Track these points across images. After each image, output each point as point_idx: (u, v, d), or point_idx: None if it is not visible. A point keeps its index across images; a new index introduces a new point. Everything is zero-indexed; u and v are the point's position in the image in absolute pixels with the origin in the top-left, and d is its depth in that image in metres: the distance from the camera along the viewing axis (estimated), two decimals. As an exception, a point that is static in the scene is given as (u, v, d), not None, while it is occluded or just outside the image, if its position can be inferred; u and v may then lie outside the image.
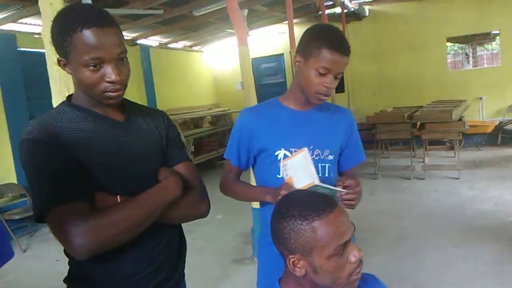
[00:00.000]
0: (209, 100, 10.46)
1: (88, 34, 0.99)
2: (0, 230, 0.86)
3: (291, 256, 0.98)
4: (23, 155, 1.03)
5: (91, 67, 1.02)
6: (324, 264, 0.95)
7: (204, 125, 8.92)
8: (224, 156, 1.60)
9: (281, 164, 1.36)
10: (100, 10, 1.06)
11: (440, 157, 7.14)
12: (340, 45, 1.35)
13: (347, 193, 1.31)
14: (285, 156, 1.44)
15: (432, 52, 8.49)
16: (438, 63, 8.53)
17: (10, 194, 5.18)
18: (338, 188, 1.30)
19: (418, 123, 6.18)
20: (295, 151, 1.43)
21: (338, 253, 0.95)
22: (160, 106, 8.27)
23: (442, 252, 3.48)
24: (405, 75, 8.69)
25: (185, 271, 1.32)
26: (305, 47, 1.40)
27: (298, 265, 0.97)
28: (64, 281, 1.19)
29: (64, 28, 1.02)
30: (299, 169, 1.30)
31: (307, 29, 1.45)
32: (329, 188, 1.27)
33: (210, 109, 9.84)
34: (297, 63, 1.44)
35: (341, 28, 8.16)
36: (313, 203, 0.99)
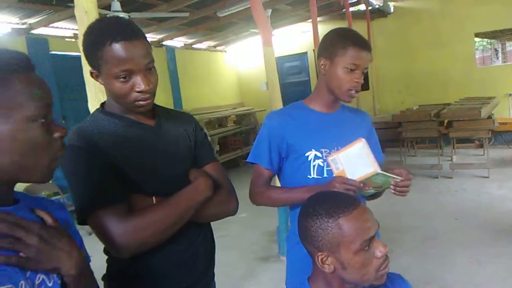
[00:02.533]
0: (233, 99, 10.54)
1: (117, 48, 1.04)
2: (78, 235, 0.93)
3: (319, 253, 1.02)
4: (64, 161, 1.08)
5: (121, 79, 1.08)
6: (352, 260, 0.99)
7: (228, 124, 8.99)
8: (249, 160, 1.59)
9: (330, 158, 1.37)
10: (127, 23, 1.11)
11: (468, 156, 6.99)
12: (364, 42, 1.45)
13: (402, 180, 1.35)
14: (316, 159, 1.47)
15: (459, 48, 8.31)
16: (466, 59, 8.33)
17: (44, 193, 5.37)
18: (394, 176, 1.33)
19: (446, 121, 6.07)
20: (325, 151, 1.47)
21: (364, 248, 0.99)
22: (186, 105, 8.40)
23: (471, 252, 3.43)
24: (431, 72, 8.52)
25: (212, 268, 1.36)
26: (330, 49, 1.46)
27: (327, 262, 1.01)
28: (102, 278, 1.24)
29: (94, 43, 1.08)
30: (356, 160, 1.31)
31: (327, 34, 1.52)
32: (386, 176, 1.30)
33: (234, 108, 9.90)
34: (322, 66, 1.48)
35: (365, 26, 8.13)
36: (337, 201, 1.03)
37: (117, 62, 1.05)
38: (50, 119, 0.77)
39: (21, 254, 0.71)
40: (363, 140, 1.33)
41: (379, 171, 1.27)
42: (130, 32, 1.07)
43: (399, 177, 1.34)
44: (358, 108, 1.74)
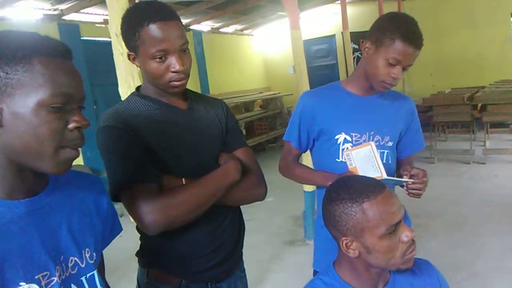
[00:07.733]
0: (259, 84, 10.51)
1: (153, 28, 1.08)
2: (112, 205, 0.98)
3: (344, 238, 1.02)
4: (100, 141, 1.14)
5: (157, 59, 1.11)
6: (377, 244, 0.98)
7: (255, 109, 8.99)
8: (283, 138, 1.63)
9: (345, 153, 1.39)
10: (163, 5, 1.14)
11: (502, 141, 6.75)
12: (415, 38, 1.33)
13: (414, 183, 1.34)
14: (345, 142, 1.47)
15: (494, 28, 7.96)
16: (501, 40, 7.99)
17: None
18: (404, 179, 1.34)
19: (479, 105, 5.89)
20: (355, 136, 1.46)
21: (389, 233, 0.98)
22: (213, 90, 8.43)
23: (502, 240, 3.35)
24: (465, 54, 8.22)
25: (239, 251, 1.38)
26: (378, 35, 1.37)
27: (352, 247, 1.01)
28: (136, 254, 1.31)
29: (132, 25, 1.12)
30: (365, 162, 1.33)
31: (382, 17, 1.44)
32: (395, 180, 1.32)
33: (261, 92, 9.88)
34: (366, 49, 1.42)
35: (396, 6, 7.88)
36: (362, 185, 1.02)
37: (154, 42, 1.09)
38: (71, 108, 0.75)
39: None
40: (372, 143, 1.33)
41: (385, 177, 1.27)
42: (166, 14, 1.11)
43: (409, 180, 1.34)
44: (401, 93, 1.63)
